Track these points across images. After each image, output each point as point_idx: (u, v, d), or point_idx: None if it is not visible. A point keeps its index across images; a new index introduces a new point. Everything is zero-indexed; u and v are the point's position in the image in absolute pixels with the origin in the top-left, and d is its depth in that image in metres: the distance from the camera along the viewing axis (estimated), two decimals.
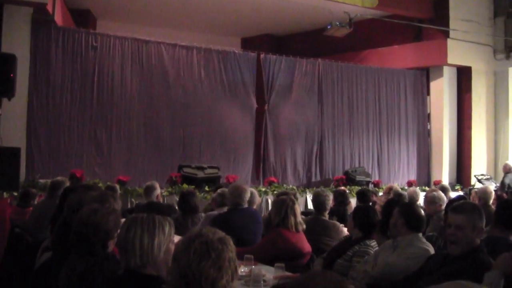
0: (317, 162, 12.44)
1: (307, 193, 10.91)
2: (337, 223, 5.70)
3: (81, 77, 10.31)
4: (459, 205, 3.52)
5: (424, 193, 8.47)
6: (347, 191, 8.72)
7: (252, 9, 13.44)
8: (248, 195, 5.35)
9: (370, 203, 7.58)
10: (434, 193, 6.50)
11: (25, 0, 9.15)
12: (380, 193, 9.55)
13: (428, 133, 13.91)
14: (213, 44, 11.88)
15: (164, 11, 13.64)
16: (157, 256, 2.56)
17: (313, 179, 12.31)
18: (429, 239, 4.40)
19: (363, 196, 7.63)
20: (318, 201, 5.73)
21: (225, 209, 5.70)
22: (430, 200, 6.35)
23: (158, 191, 6.97)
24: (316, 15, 13.19)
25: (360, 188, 9.15)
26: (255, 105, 11.91)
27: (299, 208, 4.87)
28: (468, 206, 3.49)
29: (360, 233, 4.52)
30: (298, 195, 10.43)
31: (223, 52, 11.79)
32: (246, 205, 5.30)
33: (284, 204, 4.74)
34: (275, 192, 9.98)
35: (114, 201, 4.02)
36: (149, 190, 6.86)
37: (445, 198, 6.48)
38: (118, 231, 2.85)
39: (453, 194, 9.43)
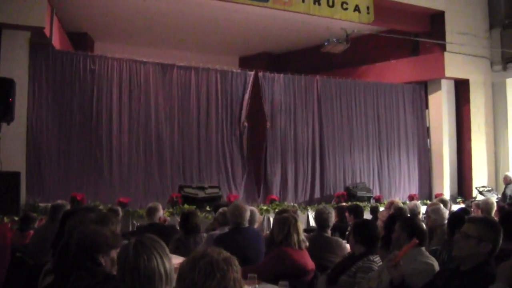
0: (318, 179, 12.41)
1: (309, 210, 10.89)
2: (340, 239, 5.68)
3: (80, 99, 10.32)
4: (477, 217, 3.51)
5: (425, 207, 8.48)
6: None
7: (249, 28, 13.52)
8: (248, 214, 5.36)
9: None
10: (436, 206, 6.49)
11: (23, 24, 9.20)
12: (382, 208, 9.53)
13: (428, 146, 13.89)
14: (211, 63, 11.92)
15: (161, 32, 13.72)
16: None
17: (314, 196, 12.26)
18: (433, 253, 4.38)
19: (356, 211, 7.58)
20: (321, 218, 5.71)
21: (227, 228, 5.70)
22: (432, 214, 6.34)
23: (161, 212, 6.98)
24: (313, 32, 13.27)
25: (354, 205, 9.02)
26: (245, 123, 11.86)
27: (301, 226, 4.86)
28: (482, 219, 3.45)
29: (362, 248, 4.49)
30: (299, 212, 10.44)
31: (221, 71, 11.82)
32: (247, 225, 5.31)
33: (286, 221, 4.73)
34: (276, 210, 9.93)
35: (114, 223, 4.04)
36: (152, 211, 6.86)
37: (446, 211, 6.46)
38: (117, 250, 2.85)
39: (455, 207, 9.43)
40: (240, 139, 11.82)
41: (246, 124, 11.86)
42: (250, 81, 11.92)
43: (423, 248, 4.11)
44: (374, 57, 14.22)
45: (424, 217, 8.09)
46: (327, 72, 13.57)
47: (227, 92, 11.73)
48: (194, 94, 11.41)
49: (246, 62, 16.27)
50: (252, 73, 12.01)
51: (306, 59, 15.49)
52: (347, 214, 7.65)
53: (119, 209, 7.61)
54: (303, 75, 12.62)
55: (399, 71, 13.81)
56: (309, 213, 10.78)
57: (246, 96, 11.85)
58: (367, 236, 4.51)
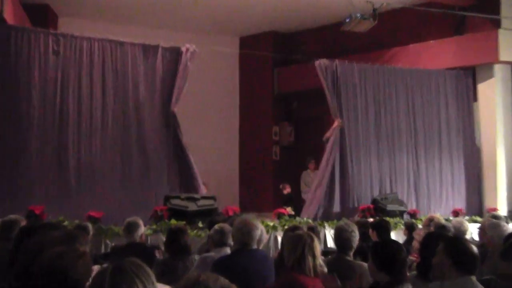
0: (338, 188, 12.33)
1: (326, 227, 10.84)
2: (365, 264, 5.64)
3: (40, 89, 10.29)
4: (508, 249, 3.35)
5: (475, 225, 8.42)
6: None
7: (252, 2, 13.50)
8: (259, 233, 5.32)
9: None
10: (496, 221, 6.44)
11: None
12: (419, 226, 9.50)
13: (477, 148, 13.81)
14: (204, 45, 11.84)
15: (143, 5, 13.71)
16: None
17: (333, 209, 12.19)
18: (485, 283, 4.32)
19: (381, 229, 7.57)
20: (342, 237, 5.70)
21: (226, 250, 5.75)
22: (490, 230, 6.29)
23: (142, 229, 6.99)
24: (331, 6, 13.28)
25: (379, 219, 8.97)
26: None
27: (319, 247, 4.81)
28: None
29: (387, 277, 4.41)
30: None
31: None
32: (255, 246, 5.28)
33: (300, 241, 4.67)
34: (285, 226, 9.90)
35: (83, 243, 4.02)
36: (131, 228, 6.86)
37: (507, 229, 6.41)
38: (89, 280, 2.81)
39: None
40: (174, 131, 11.46)
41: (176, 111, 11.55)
42: (183, 59, 11.50)
43: (473, 278, 4.06)
44: (407, 37, 14.22)
45: (472, 238, 8.06)
46: (348, 55, 13.55)
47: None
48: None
49: (249, 43, 16.35)
50: (185, 48, 11.56)
51: (323, 39, 15.56)
52: (370, 231, 7.62)
53: (89, 225, 7.60)
54: (318, 59, 12.55)
55: (439, 54, 13.74)
56: (327, 231, 10.72)
57: (178, 78, 11.43)
58: (389, 262, 4.41)
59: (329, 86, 12.30)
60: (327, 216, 11.84)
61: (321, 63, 12.30)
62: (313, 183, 12.21)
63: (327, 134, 12.44)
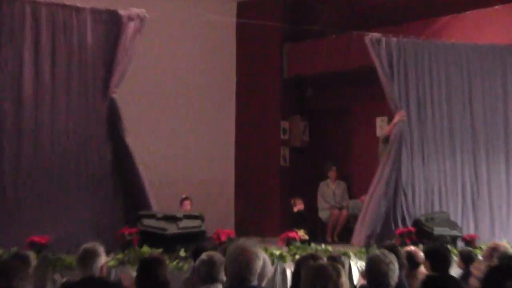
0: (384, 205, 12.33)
1: (351, 256, 10.77)
2: None
3: None
4: None
5: None
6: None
7: None
8: (260, 264, 5.19)
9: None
10: None
11: None
12: (479, 257, 9.40)
13: None
14: (190, 12, 11.85)
15: None
16: None
17: (361, 234, 12.18)
18: None
19: (437, 258, 7.39)
20: (378, 271, 5.55)
21: (217, 287, 5.70)
22: None
23: (103, 259, 6.87)
24: None
25: (436, 245, 8.89)
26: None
27: (347, 284, 4.69)
28: None
29: None
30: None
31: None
32: (255, 281, 5.16)
33: (323, 275, 4.57)
34: (296, 255, 9.91)
35: (22, 278, 4.13)
36: (88, 257, 6.73)
37: None
38: None
39: None
40: (110, 121, 11.44)
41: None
42: (130, 29, 11.47)
43: None
44: (463, 2, 14.13)
45: None
46: (383, 27, 13.53)
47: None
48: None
49: (249, 10, 16.41)
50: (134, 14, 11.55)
51: (346, 6, 15.60)
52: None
53: (31, 254, 7.53)
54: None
55: (507, 24, 13.71)
56: (353, 262, 10.69)
57: (120, 51, 11.42)
58: None
59: (385, 69, 12.39)
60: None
61: (372, 38, 12.40)
62: (366, 198, 12.24)
63: (385, 131, 12.43)
